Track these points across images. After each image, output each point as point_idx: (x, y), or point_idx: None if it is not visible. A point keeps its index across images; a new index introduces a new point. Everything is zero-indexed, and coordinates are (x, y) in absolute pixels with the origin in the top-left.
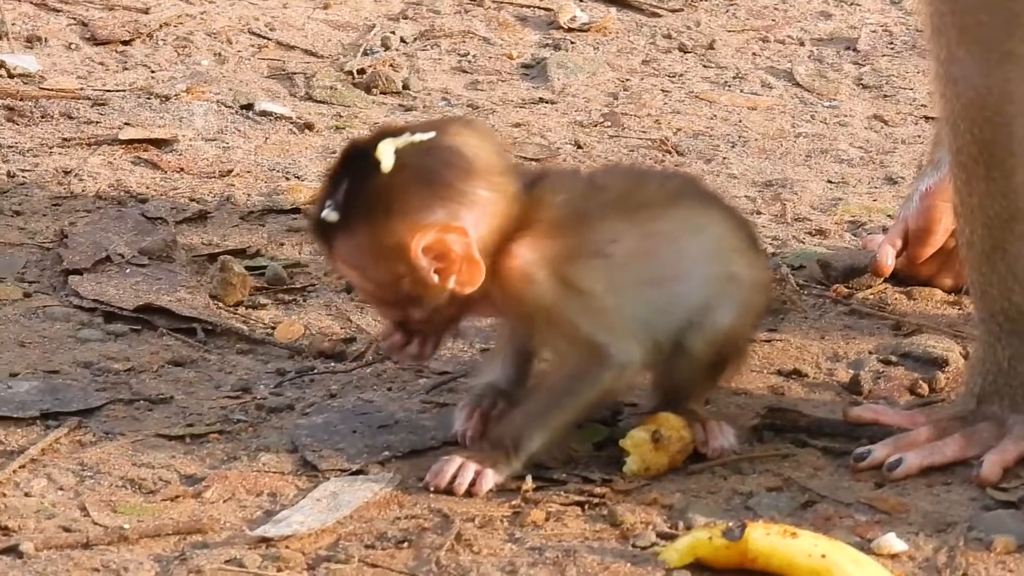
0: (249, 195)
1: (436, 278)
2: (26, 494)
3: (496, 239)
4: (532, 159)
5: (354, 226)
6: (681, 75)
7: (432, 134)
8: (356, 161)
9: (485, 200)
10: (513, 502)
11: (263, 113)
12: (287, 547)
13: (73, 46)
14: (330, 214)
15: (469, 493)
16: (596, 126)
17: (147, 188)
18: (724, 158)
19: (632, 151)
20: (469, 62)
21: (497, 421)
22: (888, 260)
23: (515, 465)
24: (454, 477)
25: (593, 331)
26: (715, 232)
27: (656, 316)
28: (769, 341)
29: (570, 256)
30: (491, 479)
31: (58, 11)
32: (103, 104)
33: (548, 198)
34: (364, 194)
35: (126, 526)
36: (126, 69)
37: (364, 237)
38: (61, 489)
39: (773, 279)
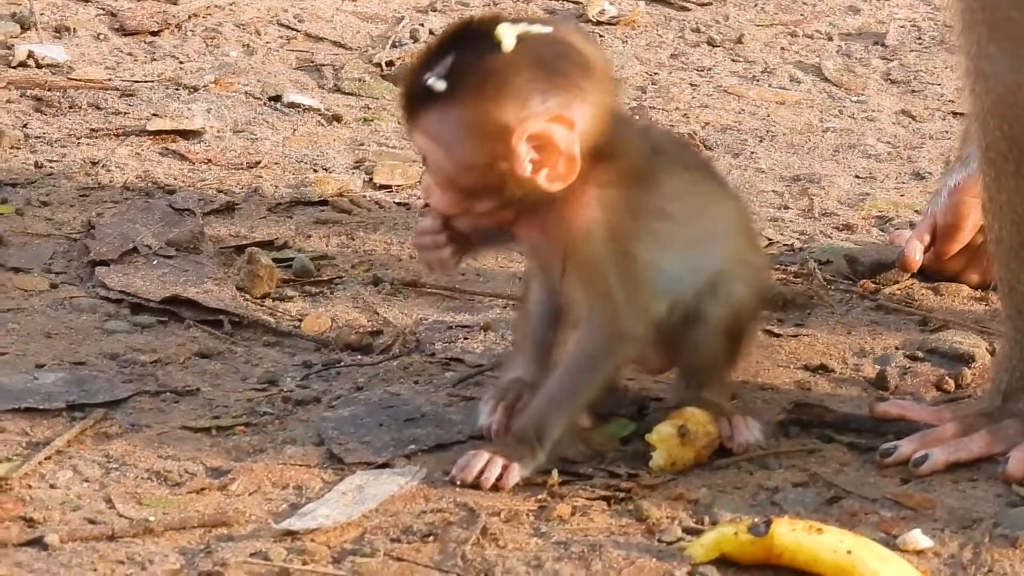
0: (277, 187)
1: (529, 169)
2: (51, 486)
3: (589, 150)
4: None
5: (461, 98)
6: (710, 69)
7: (550, 28)
8: (470, 38)
9: (597, 102)
10: (539, 496)
11: (291, 105)
12: (312, 540)
13: (101, 36)
14: (437, 83)
15: (495, 487)
16: None
17: (175, 179)
18: (752, 152)
19: None
20: None
21: (521, 414)
22: (916, 255)
23: (540, 457)
24: (481, 471)
25: (619, 296)
26: (737, 204)
27: (686, 276)
28: (796, 336)
29: (633, 212)
30: (517, 473)
31: (87, 1)
32: (131, 95)
33: (628, 145)
34: (479, 69)
35: (151, 518)
36: (154, 60)
37: (470, 112)
38: (87, 481)
39: (799, 273)
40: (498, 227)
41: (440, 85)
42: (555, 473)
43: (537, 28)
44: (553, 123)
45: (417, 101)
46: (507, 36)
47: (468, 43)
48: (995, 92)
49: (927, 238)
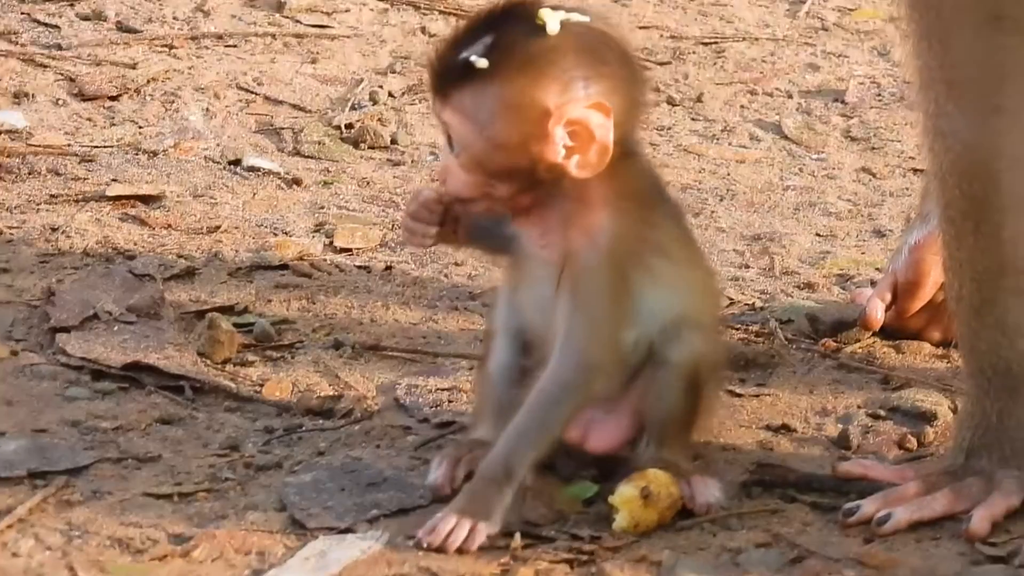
0: (237, 251)
1: (562, 154)
2: (14, 554)
3: (617, 144)
4: None
5: (502, 76)
6: (669, 128)
7: (588, 18)
8: (511, 19)
9: (632, 96)
10: (502, 560)
11: (251, 168)
12: None
13: (60, 102)
14: (479, 60)
15: (460, 550)
16: None
17: (135, 245)
18: (712, 211)
19: None
20: None
21: (471, 464)
22: (878, 314)
23: (507, 496)
24: (448, 535)
25: (600, 313)
26: (704, 256)
27: (656, 313)
28: (757, 396)
29: (640, 231)
30: (483, 533)
31: (45, 67)
32: (91, 160)
33: (638, 167)
34: (523, 49)
35: None
36: (114, 125)
37: (510, 90)
38: (49, 549)
39: (760, 332)
40: (510, 214)
41: (482, 62)
42: (517, 536)
43: (577, 16)
44: (592, 110)
45: (453, 77)
46: (551, 20)
47: (510, 24)
48: (953, 150)
49: (888, 296)
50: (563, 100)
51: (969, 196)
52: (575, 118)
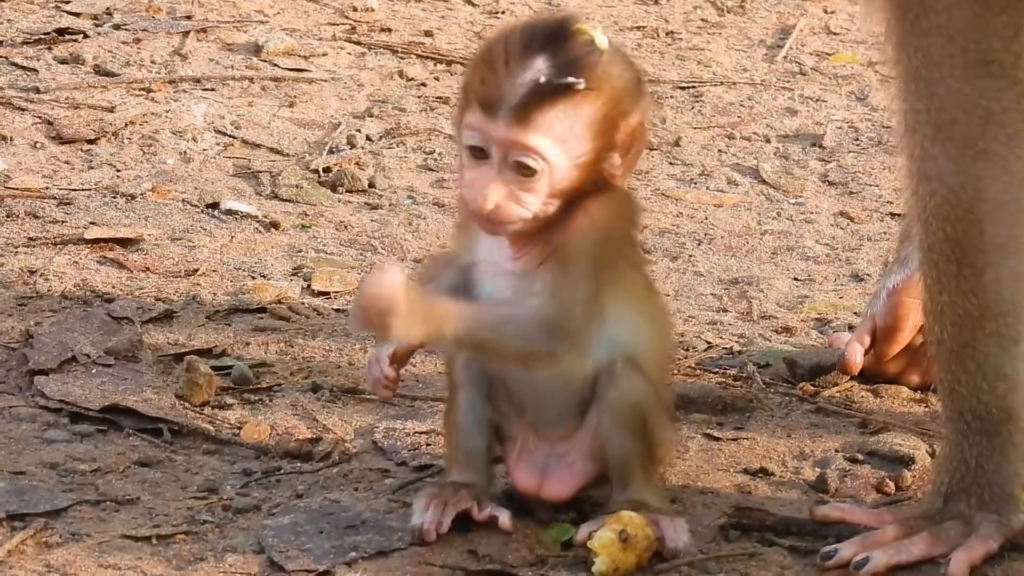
0: (215, 294)
1: (619, 163)
2: None
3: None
4: None
5: (586, 95)
6: (647, 172)
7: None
8: (563, 38)
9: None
10: None
11: (229, 212)
12: None
13: (38, 145)
14: (576, 80)
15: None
16: None
17: (113, 288)
18: (690, 255)
19: None
20: (435, 159)
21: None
22: (857, 358)
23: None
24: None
25: (580, 295)
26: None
27: (614, 336)
28: (736, 439)
29: (624, 239)
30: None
31: (23, 110)
32: (68, 203)
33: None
34: (594, 66)
35: None
36: (91, 168)
37: (595, 107)
38: None
39: (738, 376)
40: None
41: (580, 83)
42: None
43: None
44: (644, 118)
45: (540, 100)
46: (600, 36)
47: (566, 42)
48: (938, 194)
49: (867, 340)
50: (629, 110)
51: (952, 239)
52: (634, 127)
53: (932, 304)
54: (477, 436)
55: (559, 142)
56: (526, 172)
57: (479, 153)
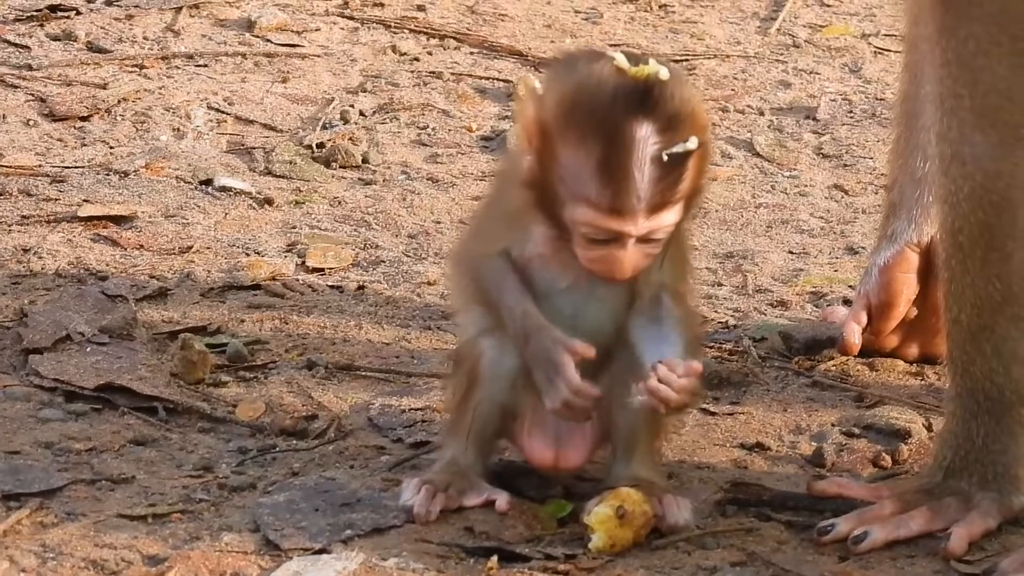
0: (209, 272)
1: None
2: None
3: None
4: None
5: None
6: None
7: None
8: (645, 105)
9: None
10: None
11: (222, 188)
12: None
13: (31, 122)
14: (683, 150)
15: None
16: None
17: (107, 265)
18: None
19: None
20: (428, 135)
21: (452, 501)
22: (855, 339)
23: None
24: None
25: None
26: None
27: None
28: (731, 414)
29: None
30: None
31: (16, 87)
32: (62, 181)
33: None
34: (685, 114)
35: None
36: (84, 145)
37: (709, 146)
38: (23, 571)
39: (734, 351)
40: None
41: (693, 146)
42: (495, 558)
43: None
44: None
45: (665, 188)
46: (660, 68)
47: (653, 107)
48: (974, 178)
49: (863, 318)
50: (708, 125)
51: (984, 223)
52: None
53: (953, 285)
54: (493, 424)
55: (684, 198)
56: (658, 240)
57: (603, 239)
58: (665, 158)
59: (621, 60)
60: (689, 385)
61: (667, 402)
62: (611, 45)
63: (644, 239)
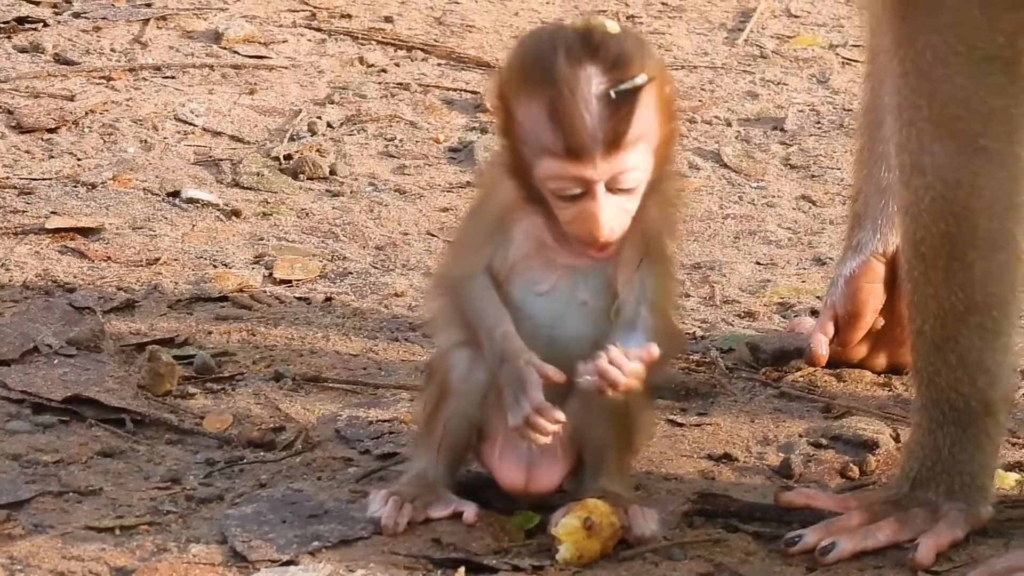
0: (176, 283)
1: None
2: None
3: None
4: None
5: (659, 83)
6: None
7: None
8: (592, 49)
9: None
10: None
11: (190, 200)
12: None
13: None
14: (634, 84)
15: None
16: None
17: (74, 277)
18: None
19: None
20: (396, 146)
21: (419, 513)
22: (822, 350)
23: None
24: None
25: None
26: None
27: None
28: (699, 425)
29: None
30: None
31: None
32: (29, 193)
33: None
34: (635, 55)
35: None
36: (52, 157)
37: (654, 91)
38: None
39: (701, 362)
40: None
41: (640, 78)
42: (462, 569)
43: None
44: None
45: (621, 124)
46: (610, 23)
47: (600, 49)
48: (934, 188)
49: (830, 329)
50: (669, 83)
51: (945, 234)
52: (673, 98)
53: (916, 295)
54: (463, 439)
55: (646, 142)
56: (628, 189)
57: (574, 194)
58: (613, 95)
59: (571, 22)
60: (640, 371)
61: (614, 385)
62: None
63: (614, 189)
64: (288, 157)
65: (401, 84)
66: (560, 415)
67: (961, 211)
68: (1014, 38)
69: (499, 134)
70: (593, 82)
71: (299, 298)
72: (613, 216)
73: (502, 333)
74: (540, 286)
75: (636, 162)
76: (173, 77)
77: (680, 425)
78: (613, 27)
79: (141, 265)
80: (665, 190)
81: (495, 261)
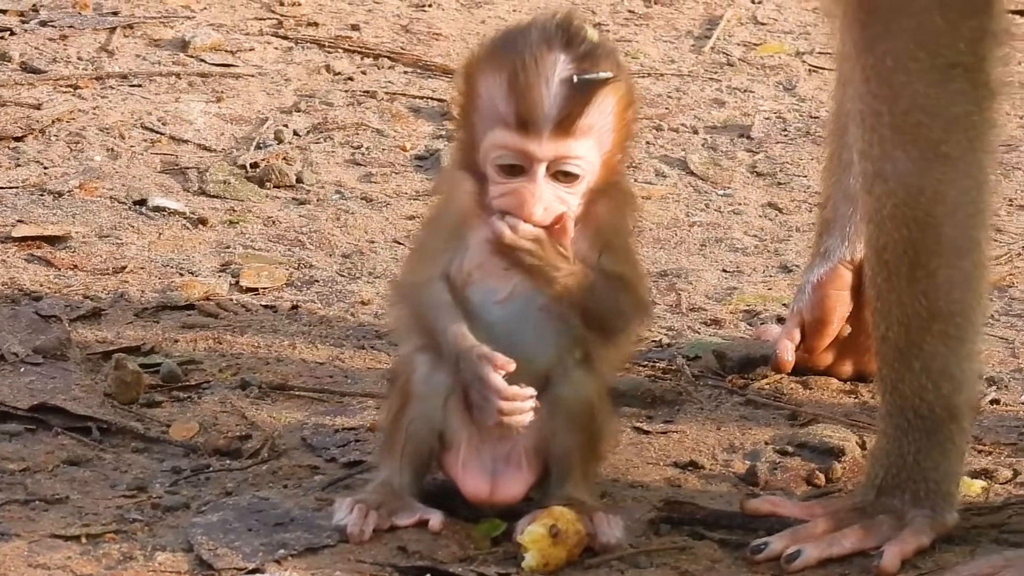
0: (143, 292)
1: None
2: None
3: None
4: None
5: (610, 87)
6: None
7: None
8: (567, 39)
9: None
10: None
11: (156, 208)
12: None
13: None
14: (599, 76)
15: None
16: None
17: (40, 286)
18: None
19: None
20: (363, 154)
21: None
22: (788, 356)
23: None
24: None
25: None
26: None
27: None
28: (665, 432)
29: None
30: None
31: None
32: None
33: None
34: (607, 57)
35: None
36: (19, 166)
37: (618, 97)
38: None
39: (667, 369)
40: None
41: (604, 74)
42: None
43: None
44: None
45: (575, 109)
46: (590, 29)
47: (575, 42)
48: (897, 195)
49: (797, 335)
50: (634, 97)
51: (908, 241)
52: (635, 112)
53: (880, 303)
54: (426, 444)
55: (597, 141)
56: (570, 178)
57: (514, 168)
58: (575, 80)
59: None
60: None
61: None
62: None
63: (555, 174)
64: (255, 165)
65: (368, 92)
66: (530, 389)
67: (924, 218)
68: (975, 45)
69: (457, 110)
70: (559, 65)
71: (265, 306)
72: (548, 198)
73: (454, 332)
74: (498, 293)
75: (582, 152)
76: (140, 85)
77: (646, 433)
78: (593, 33)
79: (107, 273)
80: (616, 193)
81: (452, 268)
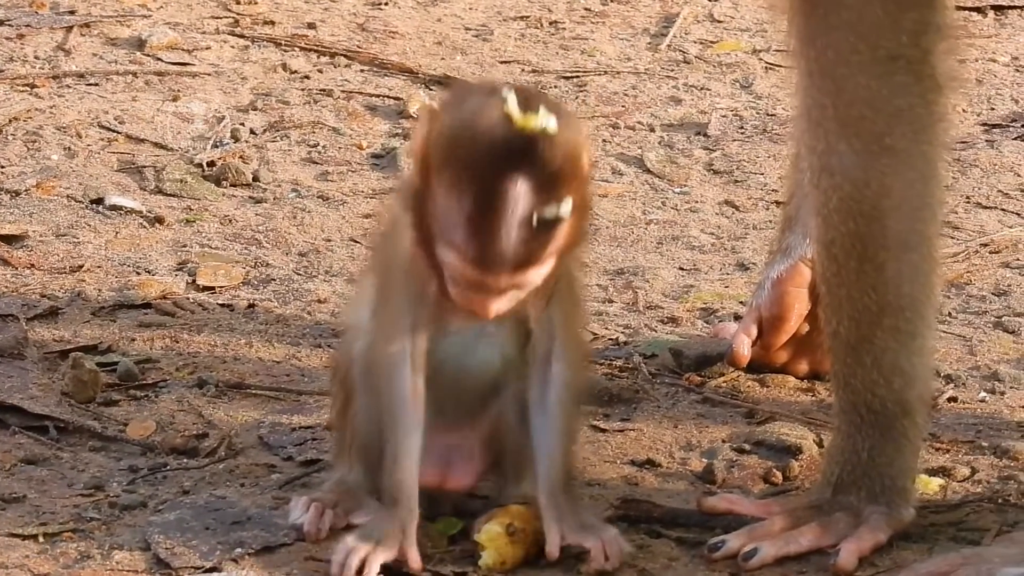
0: (100, 290)
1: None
2: None
3: None
4: None
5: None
6: None
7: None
8: (527, 162)
9: None
10: None
11: (113, 207)
12: None
13: None
14: (558, 214)
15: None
16: None
17: None
18: None
19: None
20: (319, 152)
21: (340, 519)
22: (744, 350)
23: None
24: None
25: (580, 322)
26: None
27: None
28: (622, 431)
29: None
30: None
31: None
32: None
33: None
34: (569, 175)
35: None
36: None
37: (575, 201)
38: None
39: (624, 367)
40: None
41: (567, 210)
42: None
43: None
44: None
45: (535, 248)
46: (548, 120)
47: (535, 165)
48: (842, 189)
49: (754, 331)
50: (589, 174)
51: (855, 235)
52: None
53: (830, 298)
54: (374, 437)
55: (556, 253)
56: (524, 288)
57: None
58: (535, 222)
59: (511, 105)
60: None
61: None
62: (502, 63)
63: (513, 287)
64: (211, 164)
65: (324, 90)
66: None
67: (870, 211)
68: (918, 37)
69: (414, 186)
70: (521, 202)
71: (222, 305)
72: (506, 305)
73: (401, 468)
74: (449, 325)
75: (542, 273)
76: (97, 84)
77: (603, 431)
78: (552, 126)
79: (64, 272)
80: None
81: (414, 319)
